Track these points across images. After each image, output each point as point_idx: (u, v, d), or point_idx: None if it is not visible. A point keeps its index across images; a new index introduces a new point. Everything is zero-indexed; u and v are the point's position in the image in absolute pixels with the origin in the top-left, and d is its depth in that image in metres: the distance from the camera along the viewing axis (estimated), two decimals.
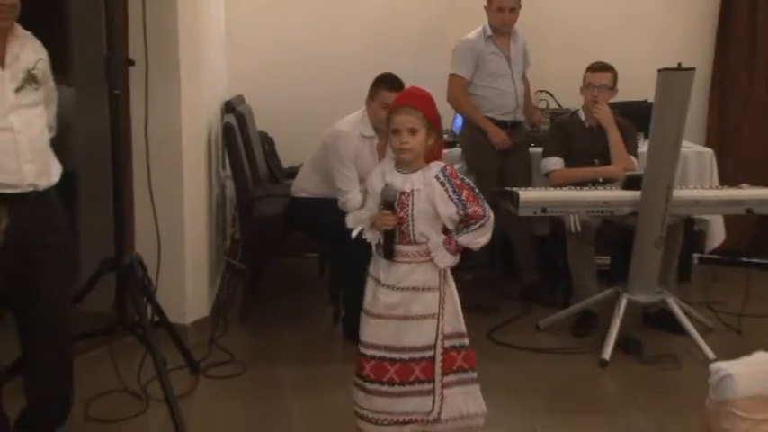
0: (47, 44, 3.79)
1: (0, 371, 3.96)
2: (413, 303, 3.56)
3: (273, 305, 5.85)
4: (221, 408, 4.52)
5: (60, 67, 3.95)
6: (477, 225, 3.54)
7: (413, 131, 3.51)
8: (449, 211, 3.52)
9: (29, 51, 3.69)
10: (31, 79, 3.65)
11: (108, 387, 4.49)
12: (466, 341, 3.66)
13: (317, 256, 6.15)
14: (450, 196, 3.51)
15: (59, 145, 3.98)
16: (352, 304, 4.96)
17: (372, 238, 3.60)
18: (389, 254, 3.55)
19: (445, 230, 3.59)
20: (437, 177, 3.52)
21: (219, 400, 4.60)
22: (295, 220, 5.52)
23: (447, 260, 3.56)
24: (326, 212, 5.08)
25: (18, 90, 3.61)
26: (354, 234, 3.65)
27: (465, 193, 3.52)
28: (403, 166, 3.56)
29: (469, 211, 3.51)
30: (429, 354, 3.59)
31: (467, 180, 3.60)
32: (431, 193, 3.52)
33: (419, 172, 3.55)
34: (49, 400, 3.91)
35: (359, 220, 3.64)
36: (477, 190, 3.57)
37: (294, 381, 4.80)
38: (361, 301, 3.71)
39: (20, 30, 3.67)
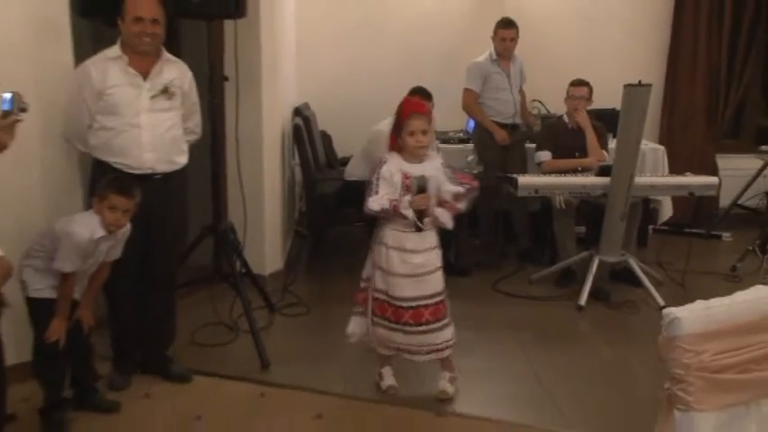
0: None
1: (134, 304, 3.97)
2: (431, 260, 3.62)
3: (330, 262, 5.85)
4: (291, 338, 4.55)
5: None
6: (472, 195, 3.64)
7: (425, 132, 3.55)
8: (450, 188, 3.58)
9: (170, 71, 3.72)
10: (164, 92, 3.68)
11: (208, 321, 4.53)
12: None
13: (363, 224, 6.13)
14: (449, 177, 3.62)
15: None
16: None
17: (408, 214, 3.58)
18: (420, 227, 3.57)
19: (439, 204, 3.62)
20: (442, 164, 3.59)
21: (290, 332, 4.63)
22: (346, 197, 5.51)
23: (450, 222, 3.65)
24: None
25: (152, 98, 3.64)
26: (375, 209, 3.59)
27: (458, 175, 3.71)
28: (414, 158, 3.57)
29: (470, 184, 3.64)
30: (442, 296, 3.64)
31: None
32: (439, 176, 3.57)
33: (426, 162, 3.59)
34: (160, 330, 3.97)
35: (381, 204, 3.59)
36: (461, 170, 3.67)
37: (345, 318, 4.75)
38: None
39: (166, 54, 3.71)
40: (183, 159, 3.83)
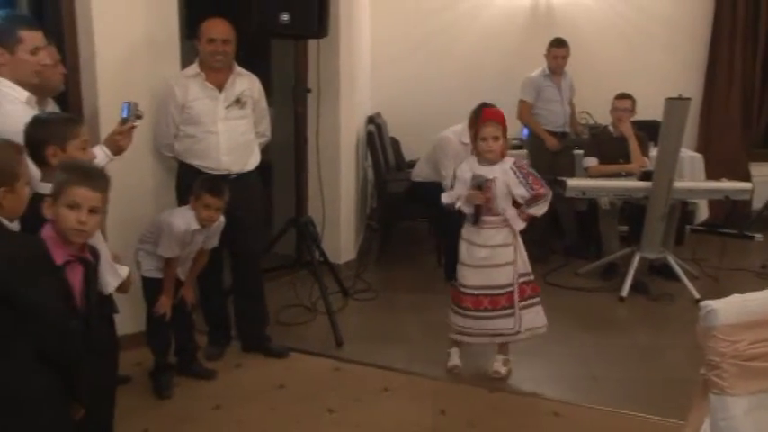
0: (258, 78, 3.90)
1: (224, 290, 4.08)
2: (497, 255, 3.59)
3: (397, 253, 5.86)
4: (362, 319, 4.58)
5: (266, 93, 4.03)
6: (542, 201, 3.55)
7: (496, 138, 3.52)
8: (520, 191, 3.54)
9: (241, 83, 3.79)
10: (237, 102, 3.76)
11: (290, 303, 4.59)
12: (532, 277, 3.71)
13: (427, 221, 6.14)
14: (520, 181, 3.53)
15: (265, 145, 4.10)
16: (448, 254, 4.97)
17: (466, 209, 3.60)
18: (477, 221, 3.56)
19: (515, 204, 3.59)
20: (511, 168, 3.54)
21: (361, 315, 4.66)
22: (413, 195, 5.50)
23: (520, 225, 3.59)
24: (434, 192, 5.03)
25: (227, 107, 3.72)
26: (447, 202, 3.66)
27: (531, 178, 3.56)
28: (485, 161, 3.56)
29: (536, 191, 3.51)
30: (510, 288, 3.60)
31: (531, 169, 3.60)
32: (507, 179, 3.54)
33: (497, 165, 3.56)
34: (255, 313, 4.02)
35: (451, 198, 3.63)
36: (539, 176, 3.58)
37: (410, 303, 4.83)
38: (455, 253, 3.74)
39: (238, 68, 3.78)
40: (254, 161, 3.91)
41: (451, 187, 3.70)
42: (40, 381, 1.96)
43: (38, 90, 2.92)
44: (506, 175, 3.55)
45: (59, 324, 1.99)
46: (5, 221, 1.96)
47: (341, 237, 5.31)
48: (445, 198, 3.69)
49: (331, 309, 4.26)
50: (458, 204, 3.60)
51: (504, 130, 3.59)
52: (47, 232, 2.24)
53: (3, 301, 1.84)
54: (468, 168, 3.61)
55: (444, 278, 5.15)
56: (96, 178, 2.30)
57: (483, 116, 3.62)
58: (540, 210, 3.60)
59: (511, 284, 3.61)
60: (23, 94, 2.81)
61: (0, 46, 2.80)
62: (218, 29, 3.64)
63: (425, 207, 5.50)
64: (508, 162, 3.60)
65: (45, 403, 1.98)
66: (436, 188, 5.10)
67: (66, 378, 2.05)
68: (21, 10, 3.78)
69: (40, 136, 2.54)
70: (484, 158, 3.58)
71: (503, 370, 3.76)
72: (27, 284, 1.88)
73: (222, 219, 3.56)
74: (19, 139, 2.57)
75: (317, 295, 4.46)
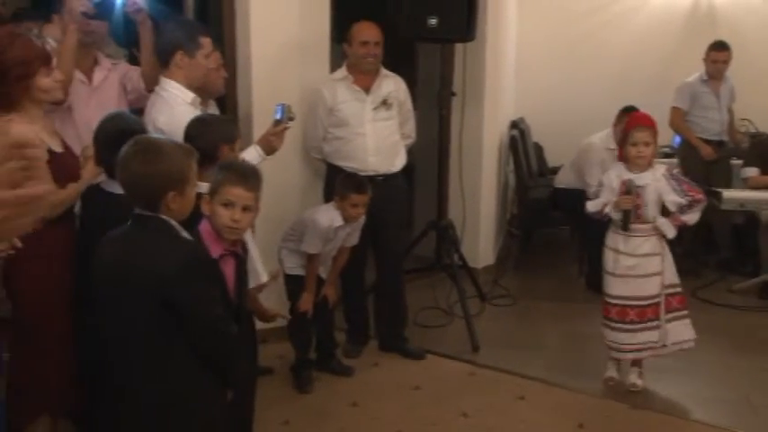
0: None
1: (364, 288, 4.16)
2: (644, 265, 3.47)
3: (537, 259, 5.76)
4: (499, 325, 4.54)
5: (411, 96, 4.09)
6: (697, 208, 3.41)
7: (647, 144, 3.40)
8: (673, 198, 3.41)
9: (388, 85, 3.86)
10: (384, 103, 3.83)
11: (428, 305, 4.61)
12: (679, 289, 3.58)
13: (569, 228, 6.00)
14: (673, 188, 3.41)
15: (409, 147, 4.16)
16: (591, 263, 4.85)
17: (615, 215, 3.49)
18: (626, 227, 3.45)
19: (665, 213, 3.46)
20: (663, 175, 3.41)
21: (498, 320, 4.62)
22: (555, 202, 5.41)
23: (672, 232, 3.48)
24: (577, 199, 4.93)
25: (374, 109, 3.80)
26: (592, 210, 3.57)
27: (685, 185, 3.43)
28: (635, 167, 3.44)
29: (692, 196, 3.38)
30: (656, 300, 3.47)
31: (684, 176, 3.49)
32: (659, 186, 3.42)
33: (648, 171, 3.44)
34: (395, 313, 4.08)
35: (597, 206, 3.55)
36: (693, 183, 3.45)
37: (549, 311, 4.74)
38: (599, 262, 3.63)
39: (384, 71, 3.86)
40: (400, 162, 3.96)
41: (596, 195, 3.61)
42: (199, 380, 2.06)
43: (201, 92, 3.11)
44: (658, 182, 3.43)
45: (220, 329, 2.07)
46: (175, 225, 2.07)
47: (480, 241, 5.29)
48: (591, 207, 3.61)
49: (468, 313, 4.26)
50: (607, 209, 3.50)
51: (655, 134, 3.46)
52: (204, 227, 2.37)
53: (167, 305, 1.96)
54: (616, 176, 3.51)
55: (586, 288, 5.03)
56: (251, 178, 2.41)
57: (634, 120, 3.51)
58: (693, 217, 3.46)
59: (657, 295, 3.48)
60: (189, 95, 3.01)
61: (182, 50, 3.01)
62: (370, 32, 3.74)
63: (568, 214, 5.42)
64: (660, 169, 3.47)
65: (204, 402, 2.09)
66: (580, 195, 4.98)
67: (222, 377, 2.14)
68: (187, 14, 4.02)
69: (213, 136, 2.68)
70: (634, 164, 3.46)
71: (639, 383, 3.63)
72: (191, 290, 1.98)
73: (363, 217, 3.64)
74: (181, 137, 2.76)
75: (454, 299, 4.46)
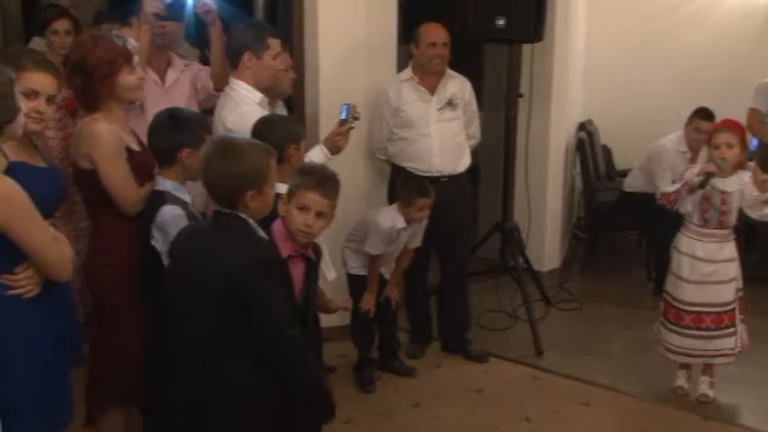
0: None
1: (428, 289, 4.12)
2: (722, 271, 3.38)
3: (603, 264, 5.63)
4: (564, 330, 4.47)
5: (477, 97, 4.07)
6: None
7: (730, 146, 3.30)
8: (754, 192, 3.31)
9: (453, 85, 3.85)
10: (449, 104, 3.82)
11: (491, 307, 4.55)
12: (741, 293, 3.47)
13: (637, 233, 5.86)
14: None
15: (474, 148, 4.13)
16: (660, 268, 4.72)
17: (685, 209, 3.42)
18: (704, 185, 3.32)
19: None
20: (747, 183, 3.32)
21: (563, 325, 4.55)
22: (623, 206, 5.29)
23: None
24: (647, 203, 4.83)
25: (439, 110, 3.79)
26: (668, 191, 3.48)
27: None
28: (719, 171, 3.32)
29: None
30: (732, 305, 3.38)
31: None
32: (745, 192, 3.30)
33: (733, 176, 3.34)
34: (459, 314, 4.05)
35: (672, 187, 3.49)
36: None
37: (616, 316, 4.65)
38: (667, 267, 3.55)
39: (450, 71, 3.85)
40: (465, 163, 3.95)
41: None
42: (258, 381, 2.09)
43: (269, 92, 3.15)
44: (745, 188, 3.32)
45: (282, 329, 2.07)
46: (252, 223, 2.11)
47: (545, 244, 5.21)
48: (666, 188, 3.57)
49: (533, 316, 4.20)
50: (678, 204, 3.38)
51: (742, 138, 3.35)
52: (277, 226, 2.41)
53: (235, 302, 1.99)
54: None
55: (654, 293, 4.90)
56: (328, 185, 2.42)
57: (720, 123, 3.44)
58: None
59: (733, 301, 3.38)
60: (257, 95, 3.06)
61: (250, 50, 3.07)
62: (438, 33, 3.73)
63: (636, 218, 5.30)
64: (745, 174, 3.36)
65: (259, 403, 2.11)
66: (649, 199, 4.88)
67: (282, 378, 2.14)
68: (257, 16, 4.08)
69: (279, 136, 2.70)
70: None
71: (711, 393, 3.52)
72: (257, 287, 2.00)
73: (426, 218, 3.63)
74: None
75: (518, 302, 4.41)
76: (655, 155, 4.92)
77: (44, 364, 2.13)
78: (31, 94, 2.27)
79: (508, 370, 3.90)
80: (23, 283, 2.07)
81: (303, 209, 2.36)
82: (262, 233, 2.14)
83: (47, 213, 2.27)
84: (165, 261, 2.42)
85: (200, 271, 2.04)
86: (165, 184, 2.58)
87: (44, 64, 2.34)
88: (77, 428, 2.57)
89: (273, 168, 2.15)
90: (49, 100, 2.33)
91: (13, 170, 2.21)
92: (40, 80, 2.29)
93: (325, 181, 2.42)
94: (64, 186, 2.48)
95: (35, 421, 2.09)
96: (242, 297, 1.99)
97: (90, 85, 2.56)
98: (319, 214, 2.37)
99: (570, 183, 5.94)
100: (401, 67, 4.09)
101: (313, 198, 2.36)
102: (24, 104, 2.23)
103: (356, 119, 3.17)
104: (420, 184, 3.56)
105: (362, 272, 3.64)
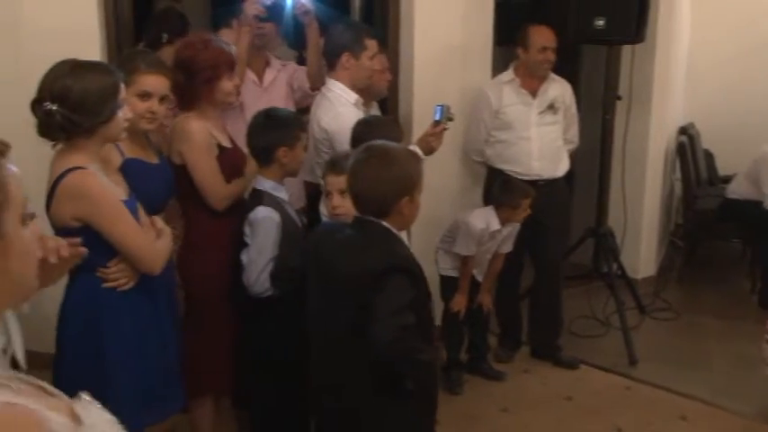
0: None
1: (519, 293, 4.08)
2: None
3: (703, 273, 5.40)
4: (660, 340, 4.33)
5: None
6: None
7: None
8: None
9: (554, 89, 3.79)
10: (550, 107, 3.76)
11: (583, 314, 4.43)
12: None
13: (740, 241, 5.59)
14: None
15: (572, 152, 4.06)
16: (766, 279, 4.50)
17: None
18: None
19: None
20: None
21: (658, 335, 4.39)
22: (726, 214, 5.07)
23: None
24: (752, 211, 4.66)
25: (540, 113, 3.72)
26: None
27: None
28: None
29: None
30: None
31: None
32: None
33: None
34: (550, 319, 3.98)
35: None
36: None
37: (716, 329, 4.44)
38: None
39: (552, 75, 3.78)
40: (564, 167, 3.88)
41: None
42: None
43: (365, 93, 3.17)
44: None
45: (392, 337, 1.96)
46: (395, 232, 2.09)
47: (641, 251, 5.05)
48: None
49: (626, 325, 4.08)
50: None
51: None
52: None
53: (365, 307, 1.97)
54: None
55: (759, 306, 4.68)
56: (338, 164, 2.46)
57: None
58: None
59: None
60: (353, 96, 3.08)
61: (348, 51, 3.09)
62: (549, 37, 3.70)
63: (740, 226, 5.08)
64: None
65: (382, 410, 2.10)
66: (755, 207, 4.67)
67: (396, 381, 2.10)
68: (354, 16, 4.12)
69: (377, 138, 2.70)
70: None
71: None
72: (384, 292, 1.95)
73: (517, 223, 3.57)
74: (347, 138, 2.83)
75: (611, 309, 4.28)
76: (762, 160, 4.71)
77: (141, 353, 2.20)
78: (145, 95, 2.36)
79: (599, 378, 3.79)
80: (116, 275, 2.15)
81: (329, 194, 2.49)
82: (405, 241, 2.15)
83: (156, 208, 2.36)
84: (247, 257, 2.51)
85: (339, 276, 2.06)
86: (264, 183, 2.63)
87: (157, 65, 2.43)
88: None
89: (422, 174, 2.13)
90: (162, 100, 2.41)
91: (127, 166, 2.30)
92: (153, 81, 2.38)
93: (334, 162, 2.50)
94: (173, 182, 2.56)
95: (138, 410, 2.17)
96: (370, 300, 1.96)
97: (191, 84, 2.64)
98: (342, 192, 2.37)
99: (669, 188, 5.73)
100: (496, 68, 4.04)
101: (331, 181, 2.46)
102: (138, 105, 2.32)
103: (450, 120, 3.14)
104: (523, 186, 3.52)
105: (454, 273, 3.62)
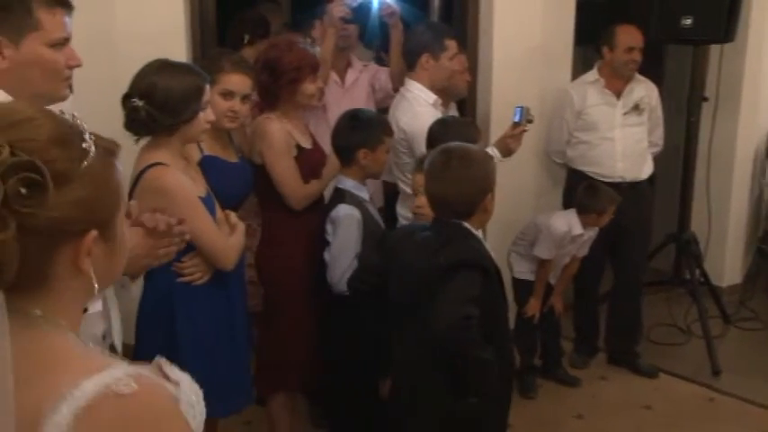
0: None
1: (597, 298, 3.99)
2: None
3: None
4: (745, 351, 4.17)
5: None
6: None
7: None
8: None
9: (639, 90, 3.72)
10: (635, 108, 3.68)
11: (663, 321, 4.29)
12: None
13: None
14: None
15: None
16: None
17: None
18: None
19: None
20: None
21: (743, 345, 4.24)
22: None
23: None
24: None
25: (625, 114, 3.65)
26: None
27: None
28: None
29: None
30: None
31: None
32: None
33: None
34: (629, 326, 3.89)
35: None
36: None
37: None
38: None
39: (638, 76, 3.73)
40: (648, 170, 3.82)
41: None
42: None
43: (443, 94, 3.16)
44: None
45: (459, 329, 1.98)
46: (473, 230, 2.11)
47: (726, 257, 4.87)
48: None
49: (709, 334, 3.94)
50: None
51: None
52: None
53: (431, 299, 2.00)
54: None
55: None
56: None
57: None
58: None
59: None
60: (431, 96, 3.08)
61: (428, 52, 3.10)
62: (637, 37, 3.64)
63: None
64: None
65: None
66: None
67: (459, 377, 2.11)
68: (432, 16, 4.11)
69: (454, 138, 2.68)
70: None
71: None
72: (448, 283, 1.98)
73: (596, 228, 3.50)
74: (423, 138, 2.83)
75: (693, 317, 4.15)
76: None
77: (214, 347, 2.25)
78: (227, 94, 2.42)
79: (680, 388, 3.68)
80: (191, 270, 2.20)
81: (416, 194, 2.53)
82: (480, 238, 2.16)
83: (233, 205, 2.41)
84: (329, 255, 2.54)
85: (417, 274, 2.08)
86: (346, 182, 2.66)
87: (241, 65, 2.49)
88: (249, 407, 2.70)
89: (496, 172, 2.17)
90: (244, 99, 2.47)
91: (205, 163, 2.36)
92: (236, 81, 2.44)
93: (423, 162, 2.45)
94: (251, 182, 2.62)
95: (209, 401, 2.21)
96: (433, 291, 1.99)
97: (275, 85, 2.68)
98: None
99: (757, 193, 5.50)
100: (575, 68, 3.97)
101: (419, 180, 2.44)
102: (220, 104, 2.38)
103: (530, 122, 3.10)
104: (609, 192, 3.46)
105: (528, 276, 3.57)
